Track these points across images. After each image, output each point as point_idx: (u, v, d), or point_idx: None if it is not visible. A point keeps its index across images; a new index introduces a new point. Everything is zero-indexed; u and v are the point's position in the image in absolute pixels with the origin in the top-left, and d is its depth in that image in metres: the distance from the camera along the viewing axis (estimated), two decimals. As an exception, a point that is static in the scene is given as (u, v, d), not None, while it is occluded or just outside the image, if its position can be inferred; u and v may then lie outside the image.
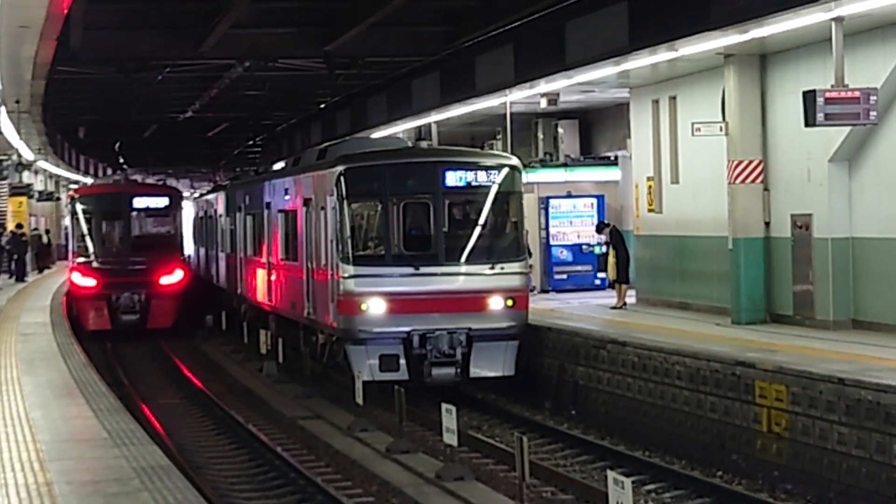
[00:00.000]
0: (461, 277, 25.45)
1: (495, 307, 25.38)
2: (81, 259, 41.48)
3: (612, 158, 37.68)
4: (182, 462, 19.41)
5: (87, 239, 41.72)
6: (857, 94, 20.28)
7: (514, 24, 28.18)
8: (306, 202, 28.70)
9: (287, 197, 31.34)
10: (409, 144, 28.87)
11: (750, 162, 26.46)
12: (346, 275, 25.34)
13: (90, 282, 40.96)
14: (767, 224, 26.53)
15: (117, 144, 60.97)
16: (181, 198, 45.72)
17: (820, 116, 20.29)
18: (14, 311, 35.73)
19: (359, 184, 25.86)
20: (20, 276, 50.67)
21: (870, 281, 24.14)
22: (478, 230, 25.93)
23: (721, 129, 26.72)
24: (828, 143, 24.26)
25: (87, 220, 41.95)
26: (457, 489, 18.05)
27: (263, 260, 34.19)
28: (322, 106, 47.62)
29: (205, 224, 49.65)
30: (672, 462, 20.47)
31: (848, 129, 23.01)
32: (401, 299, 25.21)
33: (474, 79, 31.36)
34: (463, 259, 25.52)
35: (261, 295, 34.77)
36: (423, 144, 28.39)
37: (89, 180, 68.27)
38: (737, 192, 26.57)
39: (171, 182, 68.34)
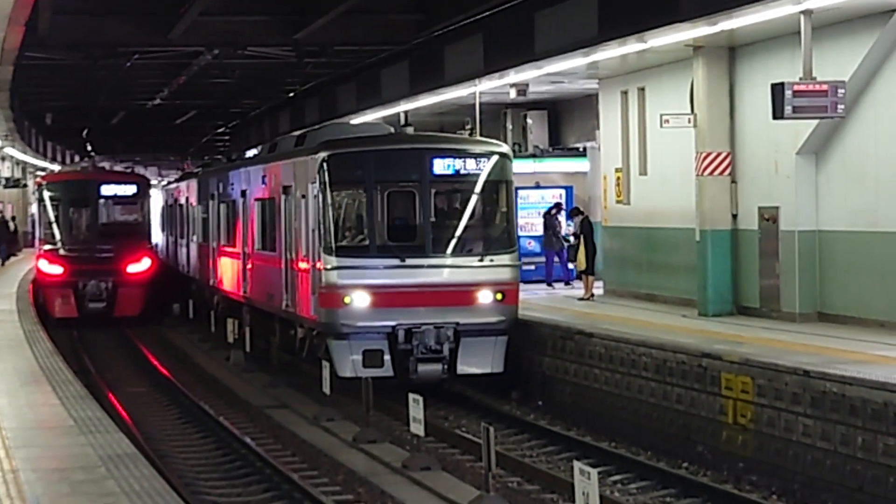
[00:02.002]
0: (449, 270, 24.63)
1: (484, 301, 24.54)
2: (48, 246, 41.40)
3: (581, 149, 37.74)
4: (148, 450, 19.39)
5: (54, 226, 41.64)
6: (825, 87, 20.36)
7: (485, 13, 28.16)
8: (285, 190, 27.78)
9: (264, 185, 30.42)
10: (392, 130, 28.09)
11: (718, 154, 26.54)
12: (328, 266, 24.43)
13: (57, 269, 40.86)
14: (735, 216, 26.61)
15: (85, 131, 60.76)
16: (149, 185, 45.70)
17: (788, 109, 20.36)
18: (-20, 297, 35.60)
19: (342, 171, 24.98)
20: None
21: (836, 274, 24.24)
22: (466, 220, 25.08)
23: (689, 121, 26.80)
24: (795, 135, 24.34)
25: (55, 207, 41.88)
26: (423, 479, 18.09)
27: (238, 250, 33.33)
28: (291, 94, 47.54)
29: (174, 212, 49.17)
30: (638, 453, 20.54)
31: (815, 122, 23.08)
32: (386, 292, 24.31)
33: (444, 68, 31.35)
34: (451, 250, 24.72)
35: (234, 286, 34.00)
36: (409, 130, 27.26)
37: (57, 167, 68.01)
38: (704, 184, 26.63)
39: (139, 170, 68.04)
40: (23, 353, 23.04)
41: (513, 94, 32.03)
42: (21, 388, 18.59)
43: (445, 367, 24.40)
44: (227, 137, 65.89)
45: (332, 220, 24.60)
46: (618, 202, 31.80)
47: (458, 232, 24.90)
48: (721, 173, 26.57)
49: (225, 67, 37.89)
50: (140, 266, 41.51)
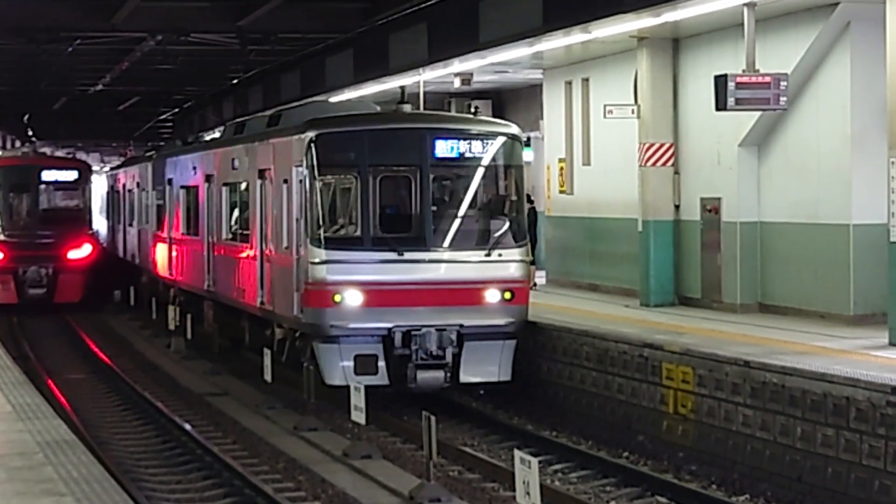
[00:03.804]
0: (452, 265, 22.00)
1: (491, 300, 22.04)
2: (-12, 232, 41.23)
3: (525, 139, 37.76)
4: (87, 437, 19.31)
5: (-6, 212, 41.50)
6: (767, 79, 20.45)
7: (429, 2, 28.15)
8: (261, 174, 25.20)
9: (234, 168, 27.75)
10: (378, 109, 25.63)
11: (661, 145, 26.64)
12: (315, 260, 21.76)
13: (-4, 255, 40.71)
14: (677, 207, 26.73)
15: (26, 116, 60.32)
16: (91, 171, 45.54)
17: (731, 101, 20.44)
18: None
19: (333, 153, 22.30)
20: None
21: (777, 265, 24.38)
22: (472, 210, 22.63)
23: (633, 112, 26.90)
24: (738, 127, 24.46)
25: (-6, 193, 41.71)
26: (364, 467, 18.10)
27: (200, 239, 30.75)
28: (234, 81, 47.40)
29: (118, 198, 48.16)
30: (579, 442, 20.58)
31: (758, 113, 23.21)
32: (381, 290, 21.76)
33: (388, 57, 31.31)
34: (455, 243, 22.11)
35: (194, 278, 31.56)
36: (407, 108, 24.01)
37: (-3, 152, 67.59)
38: (647, 174, 26.73)
39: (81, 156, 67.73)
40: (-39, 339, 22.89)
41: (457, 83, 32.05)
42: (-42, 375, 18.47)
43: (448, 374, 21.92)
44: (170, 124, 65.63)
45: (320, 208, 21.97)
46: (561, 192, 31.86)
47: (463, 223, 22.41)
48: (664, 164, 26.68)
49: (168, 54, 37.73)
50: (81, 252, 41.38)
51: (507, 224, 22.58)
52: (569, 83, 31.30)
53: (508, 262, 22.22)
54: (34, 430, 14.15)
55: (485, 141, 22.58)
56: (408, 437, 20.80)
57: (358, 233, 22.08)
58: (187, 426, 21.37)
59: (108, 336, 35.92)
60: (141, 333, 35.72)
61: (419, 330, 21.60)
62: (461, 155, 22.46)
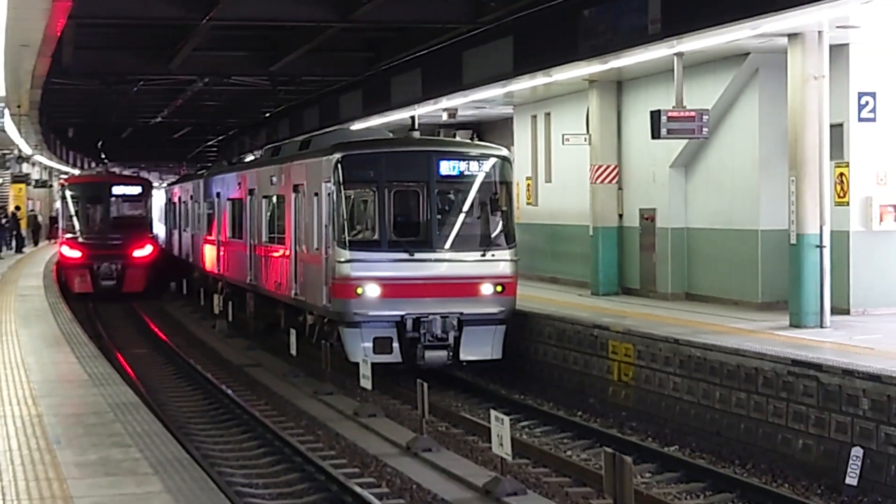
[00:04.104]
0: (454, 264, 21.75)
1: (486, 293, 21.75)
2: (69, 235, 41.23)
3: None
4: (149, 399, 19.27)
5: (74, 219, 41.49)
6: (693, 113, 20.42)
7: (422, 52, 28.16)
8: (296, 188, 24.86)
9: (273, 184, 27.30)
10: (391, 135, 25.40)
11: (608, 166, 26.61)
12: (341, 259, 21.51)
13: (76, 254, 40.67)
14: (621, 216, 26.70)
15: (100, 143, 60.30)
16: (151, 187, 45.53)
17: (663, 131, 20.40)
18: (13, 276, 35.25)
19: (355, 171, 22.04)
20: (19, 248, 50.32)
21: (700, 262, 24.38)
22: (469, 218, 22.38)
23: (585, 140, 26.87)
24: (669, 152, 24.45)
25: (75, 204, 41.69)
26: (369, 423, 18.09)
27: (243, 242, 30.35)
28: (266, 115, 47.37)
29: (175, 208, 47.49)
30: (542, 404, 20.55)
31: (685, 141, 23.19)
32: (395, 284, 21.49)
33: (390, 95, 31.30)
34: (455, 246, 21.85)
35: (239, 274, 31.00)
36: (416, 135, 23.91)
37: (76, 171, 67.44)
38: (597, 190, 26.71)
39: (144, 174, 67.55)
40: (47, 321, 22.83)
41: (445, 116, 32.01)
42: (45, 349, 18.42)
43: (450, 353, 21.71)
44: (215, 149, 65.57)
45: (345, 217, 21.80)
46: (528, 204, 31.83)
47: (463, 228, 22.17)
48: (610, 181, 26.65)
49: (213, 93, 37.75)
50: (144, 251, 41.31)
51: (499, 229, 22.34)
52: (534, 116, 31.27)
53: (500, 261, 21.96)
54: (106, 394, 14.13)
55: (480, 161, 22.37)
56: (406, 400, 20.77)
57: (376, 237, 21.91)
58: (228, 391, 21.34)
59: (165, 319, 35.83)
60: (191, 317, 35.63)
61: (427, 317, 21.39)
62: (461, 173, 22.27)
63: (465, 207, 22.40)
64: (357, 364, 19.14)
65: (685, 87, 20.68)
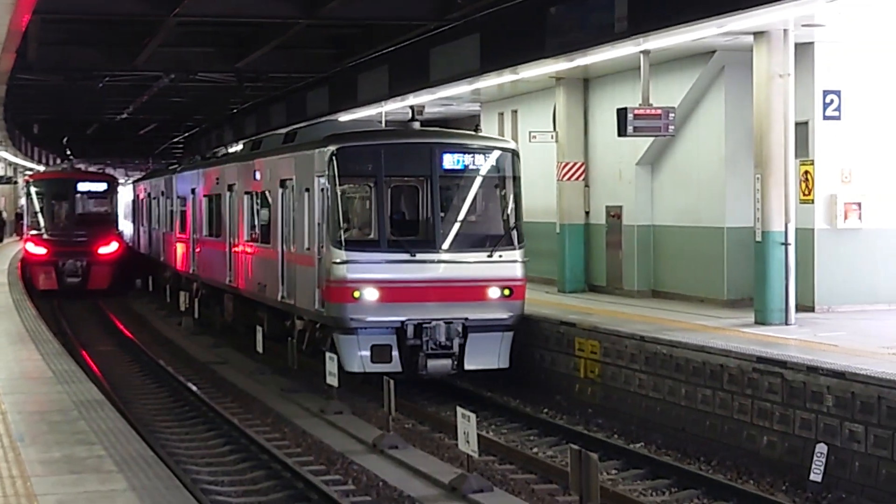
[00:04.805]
0: (459, 265, 20.04)
1: (493, 296, 20.17)
2: (34, 232, 41.09)
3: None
4: (114, 397, 19.19)
5: (40, 216, 41.32)
6: (659, 111, 20.47)
7: (389, 48, 28.12)
8: (283, 183, 23.17)
9: (257, 179, 25.46)
10: (383, 126, 23.11)
11: (574, 163, 26.66)
12: (337, 260, 19.79)
13: (41, 250, 40.51)
14: (587, 213, 26.76)
15: (65, 139, 59.93)
16: (117, 183, 45.37)
17: (630, 129, 20.44)
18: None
19: (352, 164, 20.35)
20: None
21: (666, 259, 24.46)
22: (475, 216, 20.86)
23: (552, 137, 26.92)
24: (635, 149, 24.52)
25: (40, 200, 41.56)
26: (336, 421, 18.08)
27: (222, 240, 28.50)
28: (233, 111, 47.20)
29: (145, 205, 46.16)
30: (508, 401, 20.54)
31: (651, 138, 23.27)
32: (395, 287, 19.81)
33: (357, 92, 31.25)
34: (460, 246, 20.20)
35: (217, 274, 29.19)
36: (416, 125, 21.80)
37: (42, 168, 67.08)
38: (563, 187, 26.76)
39: (109, 171, 67.21)
40: (12, 317, 22.70)
41: (411, 113, 31.91)
42: (10, 346, 18.32)
43: (455, 362, 20.06)
44: (181, 145, 65.36)
45: (340, 214, 20.05)
46: (495, 201, 31.77)
47: (468, 227, 20.54)
48: (577, 179, 26.70)
49: (179, 89, 37.61)
50: (109, 248, 41.18)
51: (507, 228, 20.79)
52: (501, 114, 31.29)
53: (508, 262, 20.42)
54: (70, 391, 14.06)
55: (486, 155, 20.77)
56: (372, 398, 20.73)
57: (374, 236, 20.26)
58: (194, 388, 21.27)
59: (130, 316, 35.69)
60: (157, 314, 35.50)
61: (429, 323, 19.73)
62: (466, 167, 20.64)
63: (471, 204, 20.84)
64: (324, 359, 19.06)
65: (652, 84, 20.73)
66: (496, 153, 20.91)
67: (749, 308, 20.28)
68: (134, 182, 55.61)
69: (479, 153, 20.74)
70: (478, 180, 20.77)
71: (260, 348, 22.97)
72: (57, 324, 31.72)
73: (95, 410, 12.76)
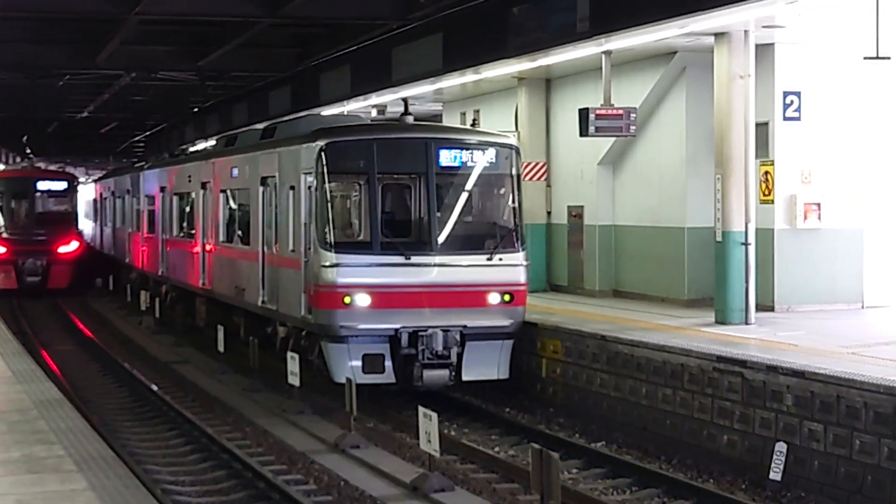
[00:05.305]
0: (457, 269, 18.76)
1: (492, 302, 18.94)
2: (-7, 231, 40.85)
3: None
4: (74, 396, 19.06)
5: (-1, 214, 41.12)
6: (620, 111, 20.52)
7: (352, 48, 28.07)
8: (264, 181, 21.78)
9: (234, 176, 24.16)
10: (369, 120, 21.45)
11: (537, 163, 26.70)
12: (326, 263, 18.45)
13: (0, 249, 40.22)
14: (549, 213, 26.82)
15: (25, 137, 59.56)
16: (77, 182, 45.20)
17: (592, 129, 20.47)
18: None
19: (342, 160, 18.99)
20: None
21: (627, 259, 24.53)
22: (474, 216, 19.69)
23: (514, 137, 26.89)
24: (597, 150, 24.58)
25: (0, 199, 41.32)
26: (298, 421, 18.05)
27: (195, 241, 27.12)
28: (195, 110, 47.01)
29: (107, 204, 45.33)
30: (470, 401, 20.47)
31: (613, 139, 23.33)
32: (388, 292, 18.50)
33: (319, 91, 31.18)
34: (458, 248, 18.97)
35: (189, 276, 27.77)
36: (409, 119, 20.41)
37: (1, 166, 66.62)
38: (526, 187, 26.68)
39: (70, 169, 66.81)
40: (-30, 317, 22.54)
41: (374, 113, 31.91)
42: (-32, 346, 18.19)
43: (452, 373, 18.85)
44: (142, 144, 65.07)
45: (329, 214, 18.69)
46: (457, 201, 31.76)
47: (466, 228, 19.34)
48: (539, 178, 26.74)
49: (140, 87, 37.42)
50: (69, 247, 41.04)
51: (507, 229, 19.61)
52: (463, 114, 31.27)
53: (509, 266, 19.14)
54: (30, 391, 13.97)
55: (485, 151, 19.47)
56: (335, 397, 20.66)
57: (366, 237, 19.01)
58: (155, 387, 21.17)
59: (91, 315, 35.51)
60: (118, 313, 35.34)
61: (425, 331, 18.49)
62: (464, 164, 19.31)
63: (469, 203, 19.65)
64: (284, 360, 18.98)
65: (613, 85, 20.78)
66: (496, 149, 19.64)
67: (709, 308, 20.37)
68: (95, 180, 55.29)
69: (478, 149, 19.48)
70: (476, 178, 19.55)
71: (221, 348, 22.89)
72: (17, 323, 31.54)
73: (55, 410, 12.69)
